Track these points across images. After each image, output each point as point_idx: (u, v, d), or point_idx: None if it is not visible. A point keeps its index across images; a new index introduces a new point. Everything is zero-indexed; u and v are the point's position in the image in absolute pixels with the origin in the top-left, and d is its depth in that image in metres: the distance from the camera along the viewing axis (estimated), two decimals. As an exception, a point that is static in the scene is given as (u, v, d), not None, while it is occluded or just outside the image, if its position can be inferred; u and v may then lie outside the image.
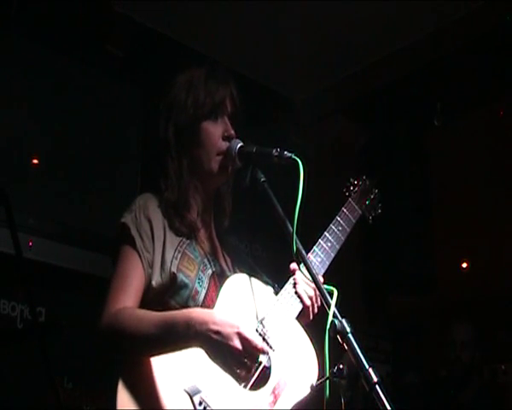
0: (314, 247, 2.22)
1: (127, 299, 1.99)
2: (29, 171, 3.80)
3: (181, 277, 2.04)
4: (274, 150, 2.03)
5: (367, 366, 1.64)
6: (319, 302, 2.13)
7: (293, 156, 1.98)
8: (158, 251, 2.06)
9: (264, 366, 1.96)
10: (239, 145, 2.13)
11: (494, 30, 4.27)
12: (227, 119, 2.22)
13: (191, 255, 2.11)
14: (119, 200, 3.73)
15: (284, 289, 2.13)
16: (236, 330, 1.84)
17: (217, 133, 2.18)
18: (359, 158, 5.15)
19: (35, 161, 3.83)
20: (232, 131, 2.19)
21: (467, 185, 5.71)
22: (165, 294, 2.04)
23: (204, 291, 2.08)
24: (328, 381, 1.71)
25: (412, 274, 4.82)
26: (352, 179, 2.48)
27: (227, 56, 4.34)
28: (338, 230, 2.30)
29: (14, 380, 3.47)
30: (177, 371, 1.92)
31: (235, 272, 2.19)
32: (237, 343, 1.82)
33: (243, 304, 2.07)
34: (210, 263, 2.15)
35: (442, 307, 6.62)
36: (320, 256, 2.21)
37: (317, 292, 2.10)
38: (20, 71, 3.82)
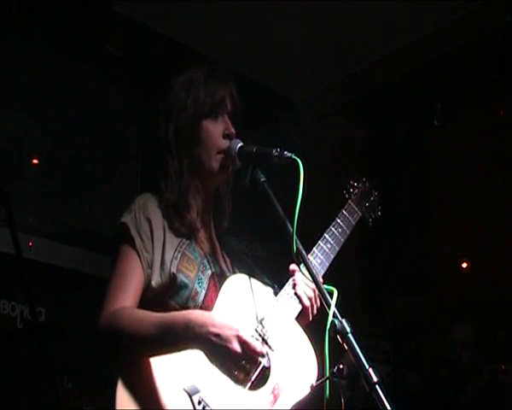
0: (313, 248, 2.22)
1: (126, 299, 1.98)
2: (29, 171, 3.80)
3: (181, 277, 2.04)
4: (274, 150, 2.03)
5: (367, 366, 1.64)
6: (318, 303, 2.13)
7: (293, 156, 1.97)
8: (157, 251, 2.05)
9: (264, 366, 1.95)
10: (239, 145, 2.13)
11: (494, 30, 4.27)
12: (227, 117, 2.22)
13: (191, 256, 2.11)
14: (119, 200, 3.72)
15: (284, 289, 2.12)
16: (235, 332, 1.84)
17: (217, 131, 2.18)
18: (359, 158, 5.14)
19: (35, 161, 3.83)
20: (232, 130, 2.19)
21: (467, 185, 5.71)
22: (165, 294, 2.04)
23: (204, 292, 2.07)
24: (328, 381, 1.71)
25: (412, 274, 4.82)
26: (351, 181, 2.48)
27: (227, 56, 4.34)
28: (337, 232, 2.30)
29: (14, 380, 3.47)
30: (177, 371, 1.91)
31: (234, 273, 2.19)
32: (236, 346, 1.82)
33: (243, 305, 2.07)
34: (210, 264, 2.15)
35: (442, 307, 6.63)
36: (319, 258, 2.21)
37: (317, 293, 2.10)
38: (20, 71, 3.81)
